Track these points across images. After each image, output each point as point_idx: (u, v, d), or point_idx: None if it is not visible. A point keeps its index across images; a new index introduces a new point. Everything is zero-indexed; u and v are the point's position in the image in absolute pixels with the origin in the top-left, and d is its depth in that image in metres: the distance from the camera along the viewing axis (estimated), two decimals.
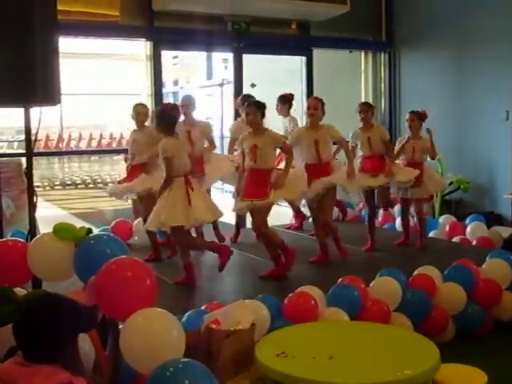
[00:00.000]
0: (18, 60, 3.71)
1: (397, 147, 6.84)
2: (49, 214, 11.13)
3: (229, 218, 6.76)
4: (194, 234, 6.21)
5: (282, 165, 5.77)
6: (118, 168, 18.36)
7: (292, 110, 7.40)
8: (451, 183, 8.31)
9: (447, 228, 7.58)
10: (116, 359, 2.78)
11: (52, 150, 16.71)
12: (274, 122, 6.69)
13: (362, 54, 10.21)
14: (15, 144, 15.55)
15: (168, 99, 14.40)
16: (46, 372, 2.13)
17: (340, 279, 4.74)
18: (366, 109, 6.63)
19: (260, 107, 5.45)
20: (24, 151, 4.14)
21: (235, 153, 6.52)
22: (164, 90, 9.07)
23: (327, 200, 5.96)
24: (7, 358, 2.36)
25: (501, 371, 3.93)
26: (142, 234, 7.07)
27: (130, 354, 2.70)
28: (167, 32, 8.15)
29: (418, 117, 6.87)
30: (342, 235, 6.64)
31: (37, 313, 2.23)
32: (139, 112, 6.35)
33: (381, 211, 8.62)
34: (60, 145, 17.47)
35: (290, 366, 3.15)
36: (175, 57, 17.38)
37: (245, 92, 8.45)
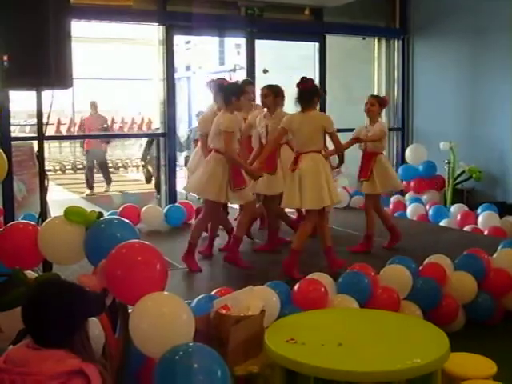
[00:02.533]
0: (31, 43, 3.72)
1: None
2: (60, 197, 11.17)
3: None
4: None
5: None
6: (129, 153, 18.42)
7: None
8: (463, 172, 8.28)
9: (459, 217, 7.55)
10: (125, 343, 2.79)
11: (64, 134, 16.73)
12: None
13: (376, 40, 10.14)
14: (27, 128, 15.59)
15: (180, 84, 14.30)
16: (56, 357, 2.14)
17: (350, 266, 4.73)
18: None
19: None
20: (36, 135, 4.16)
21: None
22: (176, 75, 9.04)
23: None
24: (17, 340, 2.37)
25: (511, 361, 3.92)
26: (149, 220, 7.12)
27: (140, 338, 2.70)
28: (180, 17, 8.11)
29: (379, 102, 6.24)
30: (354, 223, 6.65)
31: (46, 297, 2.23)
32: None
33: (391, 199, 8.62)
34: (72, 129, 17.52)
35: (299, 352, 3.14)
36: (188, 42, 17.35)
37: (258, 78, 8.42)
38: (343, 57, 10.05)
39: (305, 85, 5.19)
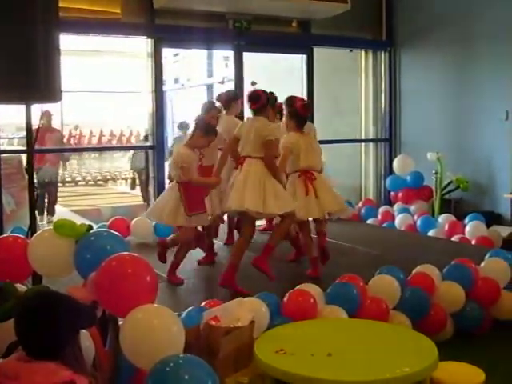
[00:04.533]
0: (19, 57, 3.73)
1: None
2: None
3: None
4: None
5: None
6: (117, 165, 18.41)
7: None
8: (450, 182, 8.33)
9: (446, 227, 7.60)
10: (116, 355, 2.79)
11: (52, 147, 16.76)
12: None
13: (363, 52, 10.22)
14: (15, 141, 15.55)
15: (166, 97, 14.23)
16: (48, 369, 2.15)
17: (339, 277, 4.75)
18: None
19: None
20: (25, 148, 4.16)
21: None
22: (164, 88, 9.07)
23: None
24: (8, 353, 2.37)
25: (499, 369, 3.95)
26: (139, 232, 7.12)
27: (130, 350, 2.71)
28: (168, 29, 8.16)
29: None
30: (343, 234, 6.65)
31: (36, 309, 2.24)
32: None
33: (380, 210, 8.65)
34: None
35: (288, 362, 3.16)
36: (176, 54, 17.39)
37: (246, 90, 8.45)
38: (330, 69, 10.11)
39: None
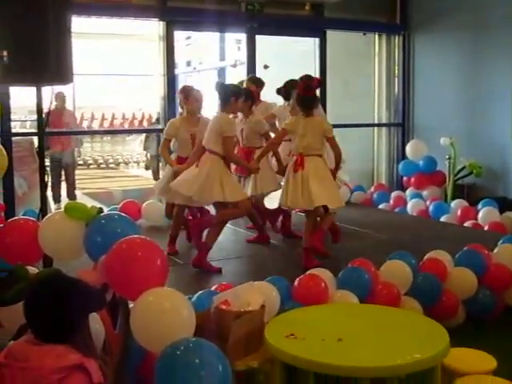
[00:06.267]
0: (31, 39, 3.71)
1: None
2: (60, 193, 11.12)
3: None
4: None
5: None
6: (129, 148, 18.43)
7: None
8: (464, 168, 8.27)
9: (459, 213, 7.56)
10: (126, 338, 2.79)
11: (64, 130, 16.82)
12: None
13: (376, 36, 10.12)
14: (28, 124, 15.59)
15: (179, 80, 14.20)
16: (57, 352, 2.14)
17: (350, 262, 4.74)
18: None
19: None
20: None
21: None
22: (176, 71, 9.02)
23: None
24: (18, 335, 2.37)
25: (510, 356, 3.92)
26: (150, 215, 7.13)
27: (141, 333, 2.71)
28: (180, 12, 8.11)
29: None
30: (354, 218, 6.61)
31: (47, 292, 2.23)
32: None
33: (392, 194, 8.61)
34: None
35: (299, 347, 3.15)
36: (188, 37, 17.34)
37: (258, 73, 8.40)
38: (344, 52, 10.03)
39: (310, 92, 5.29)
